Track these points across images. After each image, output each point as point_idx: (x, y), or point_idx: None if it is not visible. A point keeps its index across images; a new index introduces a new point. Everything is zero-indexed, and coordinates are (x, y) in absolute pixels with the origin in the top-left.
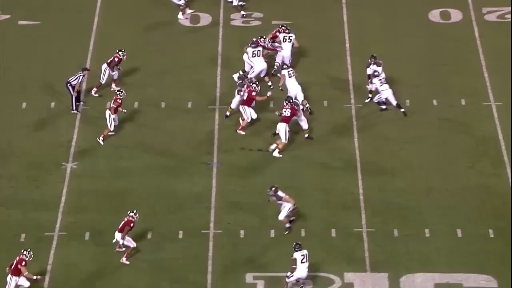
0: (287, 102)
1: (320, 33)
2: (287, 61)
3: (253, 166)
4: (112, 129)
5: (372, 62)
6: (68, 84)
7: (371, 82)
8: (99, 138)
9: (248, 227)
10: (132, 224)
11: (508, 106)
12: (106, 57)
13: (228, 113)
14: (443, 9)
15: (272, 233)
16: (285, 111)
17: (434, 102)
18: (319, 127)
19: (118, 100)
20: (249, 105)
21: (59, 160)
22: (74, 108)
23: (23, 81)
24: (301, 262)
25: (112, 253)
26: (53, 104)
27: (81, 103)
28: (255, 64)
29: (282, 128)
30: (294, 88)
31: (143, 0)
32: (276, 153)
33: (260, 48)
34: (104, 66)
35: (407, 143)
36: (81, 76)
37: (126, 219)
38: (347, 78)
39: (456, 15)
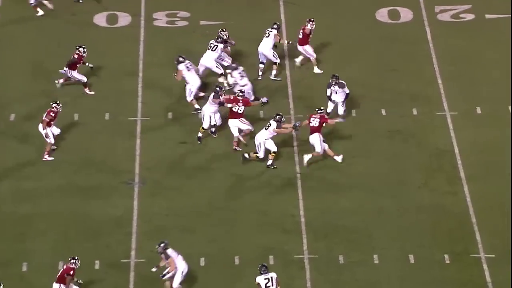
0: (317, 110)
1: (256, 34)
2: (262, 58)
3: (180, 185)
4: (52, 141)
5: (333, 83)
6: None
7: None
8: (44, 157)
9: None
10: (72, 272)
11: (464, 116)
12: (7, 62)
13: (200, 134)
14: (391, 8)
15: (202, 261)
16: (314, 120)
17: (383, 111)
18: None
19: (51, 113)
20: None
21: None
22: None
23: None
24: (266, 287)
25: None
26: None
27: None
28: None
29: (316, 140)
30: (194, 82)
31: None
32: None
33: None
34: (73, 72)
35: (354, 157)
36: None
37: (65, 267)
38: (286, 85)
39: (406, 15)
